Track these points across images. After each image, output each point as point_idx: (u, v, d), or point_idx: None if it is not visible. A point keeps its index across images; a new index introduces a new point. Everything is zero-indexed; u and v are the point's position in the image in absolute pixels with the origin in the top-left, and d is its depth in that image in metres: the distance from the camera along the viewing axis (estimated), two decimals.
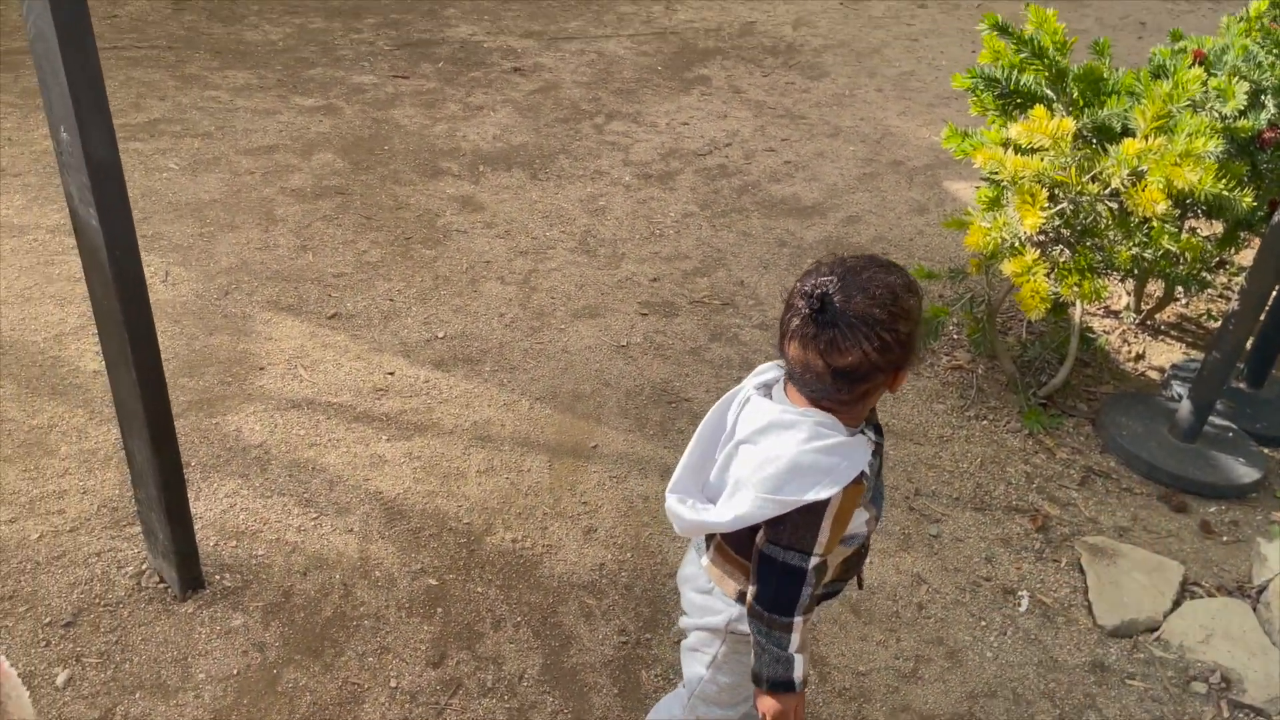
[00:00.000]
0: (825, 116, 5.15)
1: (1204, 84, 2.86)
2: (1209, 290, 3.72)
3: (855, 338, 1.34)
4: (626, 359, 3.26)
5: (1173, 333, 3.63)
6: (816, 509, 1.42)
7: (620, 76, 5.37)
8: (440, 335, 3.27)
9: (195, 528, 2.25)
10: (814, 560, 1.45)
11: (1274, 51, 3.22)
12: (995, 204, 2.87)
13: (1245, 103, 2.90)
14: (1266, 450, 3.03)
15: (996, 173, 2.78)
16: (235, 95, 4.66)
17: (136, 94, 4.55)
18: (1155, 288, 3.70)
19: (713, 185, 4.41)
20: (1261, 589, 2.50)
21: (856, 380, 1.39)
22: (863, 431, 1.50)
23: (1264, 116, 3.03)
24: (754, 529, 1.49)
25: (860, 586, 1.78)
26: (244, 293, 3.36)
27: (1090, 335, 3.41)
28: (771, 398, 1.52)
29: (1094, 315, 3.68)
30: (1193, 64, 3.16)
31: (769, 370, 1.58)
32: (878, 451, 1.55)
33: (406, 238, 3.77)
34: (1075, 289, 2.76)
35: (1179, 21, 7.04)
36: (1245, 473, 2.87)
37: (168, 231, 3.62)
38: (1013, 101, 3.02)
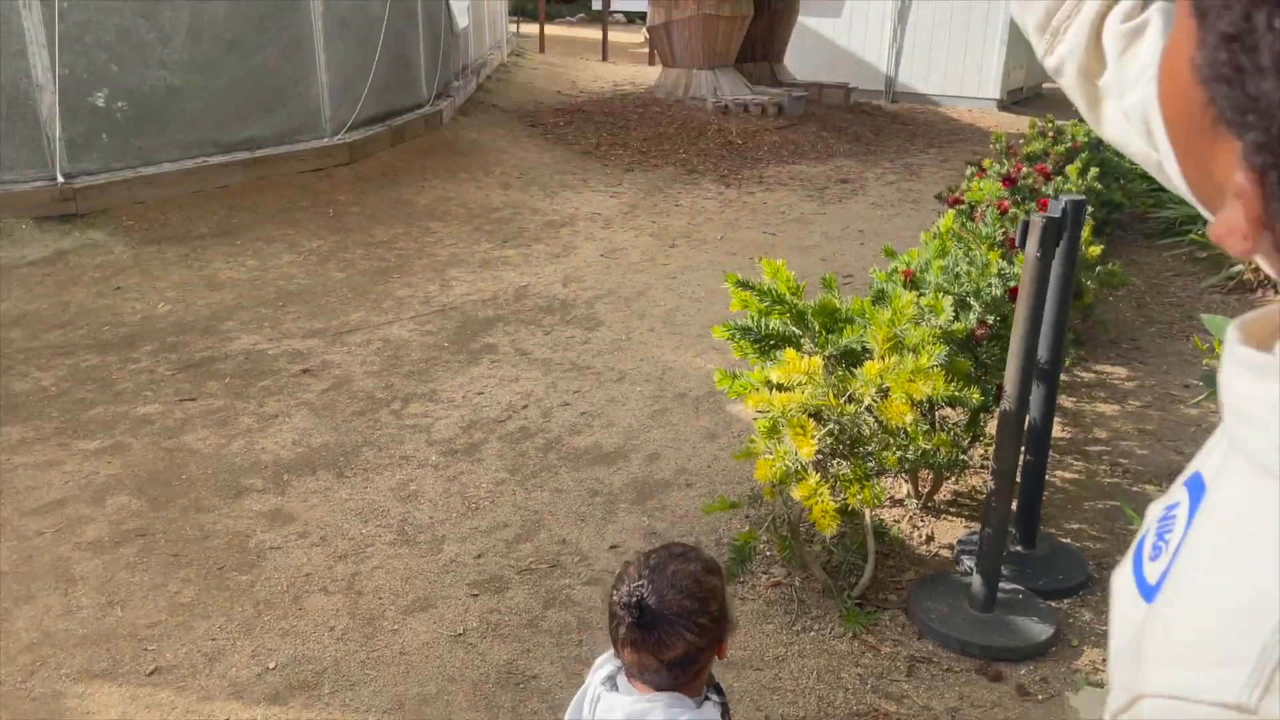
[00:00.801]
0: (609, 363, 5.53)
1: (917, 303, 3.37)
2: (970, 468, 4.18)
3: (678, 632, 1.54)
4: (466, 647, 3.28)
5: (952, 509, 4.03)
6: None
7: (409, 359, 5.59)
8: (271, 666, 3.19)
9: None
10: None
11: (969, 256, 3.84)
12: (774, 432, 3.20)
13: (953, 312, 3.43)
14: (1053, 604, 3.38)
15: (767, 410, 3.13)
16: (11, 453, 4.50)
17: None
18: (928, 473, 4.12)
19: (518, 449, 4.60)
20: None
21: (688, 664, 1.59)
22: (708, 698, 1.68)
23: (973, 316, 3.58)
24: None
25: None
26: (50, 668, 3.17)
27: (883, 529, 3.74)
28: (618, 689, 1.68)
29: (883, 508, 4.04)
30: (906, 284, 3.73)
31: (606, 663, 1.74)
32: (725, 710, 1.72)
33: (219, 568, 3.70)
34: (858, 498, 3.08)
35: (888, 225, 8.10)
36: (1041, 630, 3.19)
37: None
38: (767, 343, 3.42)
